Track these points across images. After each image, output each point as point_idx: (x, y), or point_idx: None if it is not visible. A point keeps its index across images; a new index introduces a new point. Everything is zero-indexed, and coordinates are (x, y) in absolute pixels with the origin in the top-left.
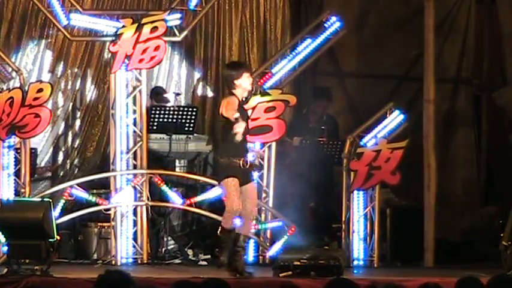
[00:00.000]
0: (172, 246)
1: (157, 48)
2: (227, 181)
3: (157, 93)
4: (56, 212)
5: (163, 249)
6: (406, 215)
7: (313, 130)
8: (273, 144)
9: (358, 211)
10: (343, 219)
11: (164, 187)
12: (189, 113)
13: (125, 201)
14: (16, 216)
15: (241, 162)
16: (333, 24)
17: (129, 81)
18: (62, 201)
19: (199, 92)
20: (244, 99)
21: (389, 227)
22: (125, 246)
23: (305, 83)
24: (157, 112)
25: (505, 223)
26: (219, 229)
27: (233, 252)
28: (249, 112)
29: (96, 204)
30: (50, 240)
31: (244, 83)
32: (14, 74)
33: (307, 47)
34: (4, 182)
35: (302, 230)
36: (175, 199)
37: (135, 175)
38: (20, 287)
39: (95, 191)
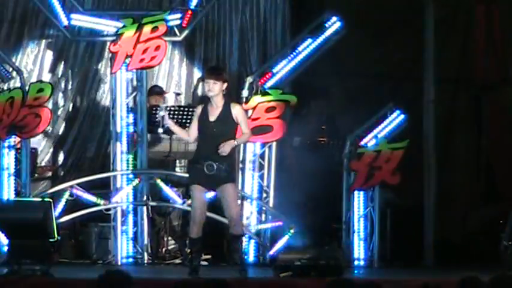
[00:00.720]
0: (172, 247)
1: (157, 48)
2: (190, 189)
3: (155, 93)
4: (59, 208)
5: (164, 250)
6: (406, 215)
7: (313, 130)
8: (273, 145)
9: (359, 211)
10: (344, 219)
11: (160, 183)
12: (189, 113)
13: (125, 201)
14: (16, 216)
15: (204, 167)
16: (333, 24)
17: (129, 81)
18: (67, 195)
19: (199, 92)
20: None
21: (389, 227)
22: (125, 246)
23: (305, 83)
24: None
25: (505, 223)
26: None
27: (232, 256)
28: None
29: (97, 204)
30: (51, 240)
31: (204, 87)
32: (14, 74)
33: (307, 47)
34: (4, 182)
35: (302, 230)
36: (175, 199)
37: (135, 175)
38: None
39: (95, 191)
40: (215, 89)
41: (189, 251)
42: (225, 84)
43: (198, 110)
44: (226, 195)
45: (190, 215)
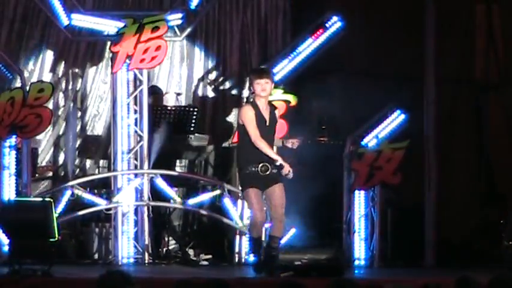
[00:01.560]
0: (173, 247)
1: (158, 48)
2: (246, 192)
3: (154, 93)
4: (60, 208)
5: (165, 250)
6: (407, 215)
7: (314, 130)
8: None
9: (359, 211)
10: (344, 219)
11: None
12: (190, 113)
13: (126, 201)
14: (17, 216)
15: (259, 168)
16: (334, 24)
17: (130, 81)
18: (68, 195)
19: (199, 92)
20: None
21: (390, 227)
22: (126, 246)
23: (306, 82)
24: (158, 112)
25: (505, 223)
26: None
27: (267, 254)
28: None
29: (97, 204)
30: (51, 240)
31: (255, 88)
32: (15, 74)
33: (308, 46)
34: (5, 181)
35: (303, 230)
36: (176, 199)
37: (136, 175)
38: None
39: (96, 190)
40: (267, 88)
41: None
42: (272, 85)
43: (252, 112)
44: (276, 195)
45: (250, 219)
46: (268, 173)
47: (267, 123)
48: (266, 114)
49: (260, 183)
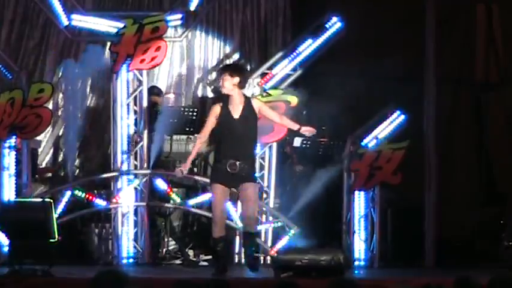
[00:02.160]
0: (173, 247)
1: (158, 48)
2: (213, 186)
3: (153, 93)
4: (59, 208)
5: (164, 250)
6: (407, 215)
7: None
8: (274, 145)
9: (359, 211)
10: (344, 219)
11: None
12: (190, 113)
13: (126, 202)
14: (17, 216)
15: (227, 166)
16: (334, 24)
17: (130, 81)
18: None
19: (199, 92)
20: (244, 100)
21: (390, 228)
22: (126, 246)
23: (306, 83)
24: (158, 112)
25: (505, 223)
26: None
27: (245, 253)
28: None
29: (97, 205)
30: (51, 240)
31: (224, 84)
32: (15, 74)
33: (308, 47)
34: (5, 182)
35: (303, 230)
36: (175, 199)
37: (136, 175)
38: None
39: (96, 191)
40: (225, 85)
41: (212, 251)
42: (236, 79)
43: (217, 109)
44: (246, 194)
45: (212, 214)
46: (236, 171)
47: (236, 117)
48: (237, 109)
49: (228, 180)
